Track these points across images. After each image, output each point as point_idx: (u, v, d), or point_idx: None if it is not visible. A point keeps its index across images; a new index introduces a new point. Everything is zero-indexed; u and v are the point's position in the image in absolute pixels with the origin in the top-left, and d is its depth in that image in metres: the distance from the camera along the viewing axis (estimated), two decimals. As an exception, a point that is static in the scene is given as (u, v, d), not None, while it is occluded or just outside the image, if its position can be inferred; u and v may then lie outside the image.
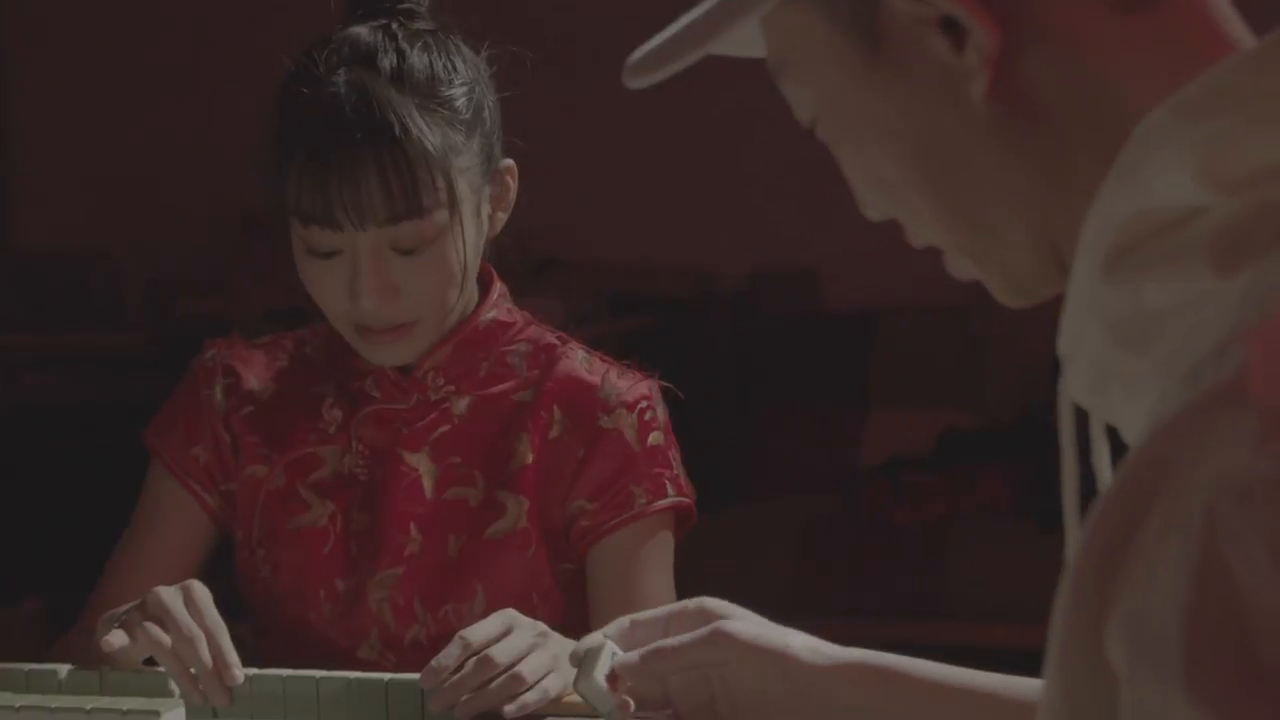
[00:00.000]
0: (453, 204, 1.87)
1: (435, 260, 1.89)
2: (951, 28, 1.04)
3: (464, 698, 1.68)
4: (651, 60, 1.13)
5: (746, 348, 5.54)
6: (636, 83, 1.14)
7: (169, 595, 1.75)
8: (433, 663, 1.68)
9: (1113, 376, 1.00)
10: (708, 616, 1.55)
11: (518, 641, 1.70)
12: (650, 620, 1.58)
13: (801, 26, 1.09)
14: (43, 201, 5.99)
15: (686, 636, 1.53)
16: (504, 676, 1.68)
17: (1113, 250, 0.98)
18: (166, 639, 1.71)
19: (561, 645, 1.72)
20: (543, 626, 1.74)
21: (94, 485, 3.80)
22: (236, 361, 2.04)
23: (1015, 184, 1.06)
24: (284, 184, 1.86)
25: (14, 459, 5.09)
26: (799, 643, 1.53)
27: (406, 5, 1.92)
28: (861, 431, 5.29)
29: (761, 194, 5.54)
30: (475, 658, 1.69)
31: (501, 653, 1.69)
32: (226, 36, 5.60)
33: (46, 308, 5.77)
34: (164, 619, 1.73)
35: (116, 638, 1.74)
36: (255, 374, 2.04)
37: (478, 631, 1.71)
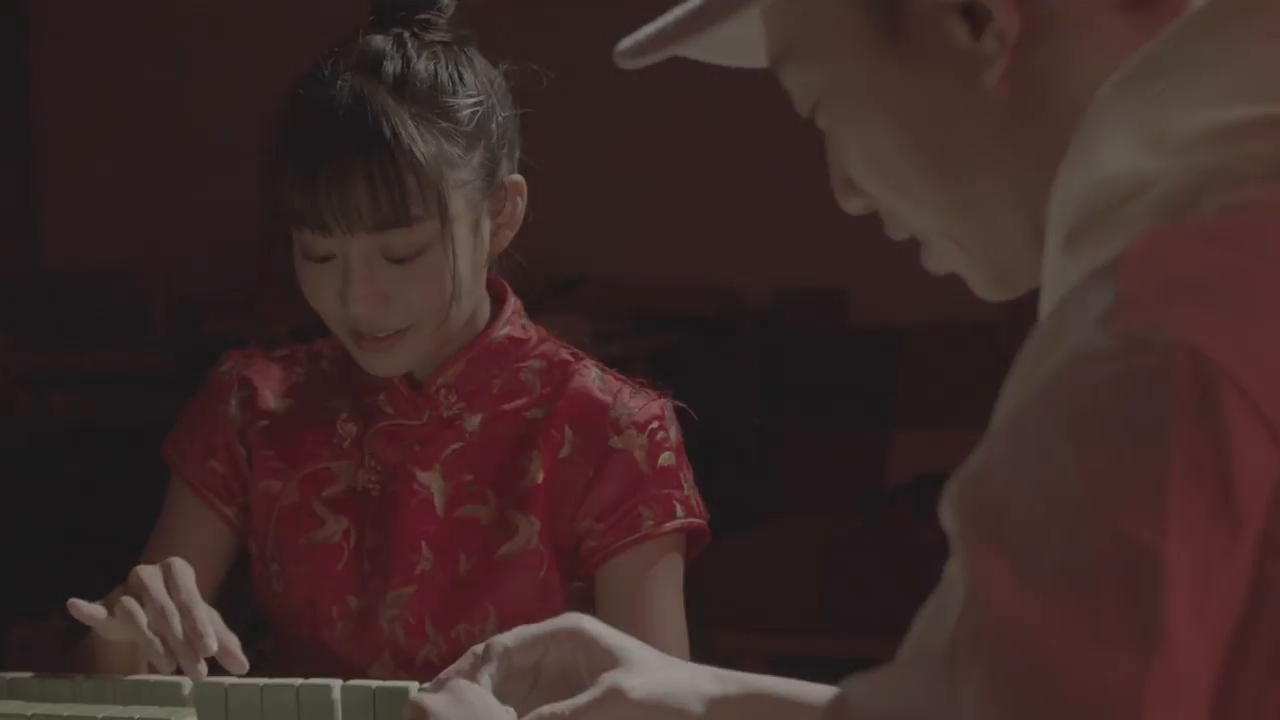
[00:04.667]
0: (443, 215, 1.87)
1: (426, 271, 1.88)
2: (970, 13, 1.07)
3: None
4: (651, 41, 1.17)
5: (772, 366, 5.54)
6: (631, 62, 1.18)
7: (148, 573, 1.77)
8: (444, 673, 1.69)
9: None
10: (585, 641, 1.51)
11: None
12: (530, 641, 1.53)
13: (813, 9, 1.12)
14: (70, 220, 6.01)
15: (581, 699, 1.47)
16: None
17: (1073, 226, 1.03)
18: (141, 612, 1.74)
19: None
20: None
21: (120, 502, 3.80)
22: (254, 374, 2.04)
23: (1012, 169, 1.09)
24: (279, 186, 1.87)
25: (41, 476, 5.10)
26: (690, 691, 1.48)
27: (424, 16, 1.92)
28: (887, 450, 5.28)
29: (787, 212, 5.53)
30: None
31: None
32: (257, 55, 5.61)
33: (74, 326, 5.79)
34: (142, 595, 1.75)
35: (96, 610, 1.77)
36: (271, 387, 2.04)
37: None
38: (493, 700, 1.36)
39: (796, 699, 1.49)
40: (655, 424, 1.97)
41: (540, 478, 1.96)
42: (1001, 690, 0.88)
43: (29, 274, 5.92)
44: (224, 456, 2.02)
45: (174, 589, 1.76)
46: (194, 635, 1.73)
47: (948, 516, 0.95)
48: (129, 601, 1.75)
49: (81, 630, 1.85)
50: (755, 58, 1.20)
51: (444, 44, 1.92)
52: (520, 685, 1.52)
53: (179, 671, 1.75)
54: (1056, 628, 0.87)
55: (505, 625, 1.84)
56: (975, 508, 0.93)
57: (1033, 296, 1.11)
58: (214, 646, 1.73)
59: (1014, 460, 0.92)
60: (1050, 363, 0.94)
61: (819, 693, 1.49)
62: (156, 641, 1.73)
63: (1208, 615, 0.88)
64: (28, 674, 1.81)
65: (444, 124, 1.88)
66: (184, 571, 1.78)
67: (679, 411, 2.00)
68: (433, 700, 1.37)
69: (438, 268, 1.89)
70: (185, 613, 1.74)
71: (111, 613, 1.76)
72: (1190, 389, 0.88)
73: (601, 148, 5.46)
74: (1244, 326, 0.90)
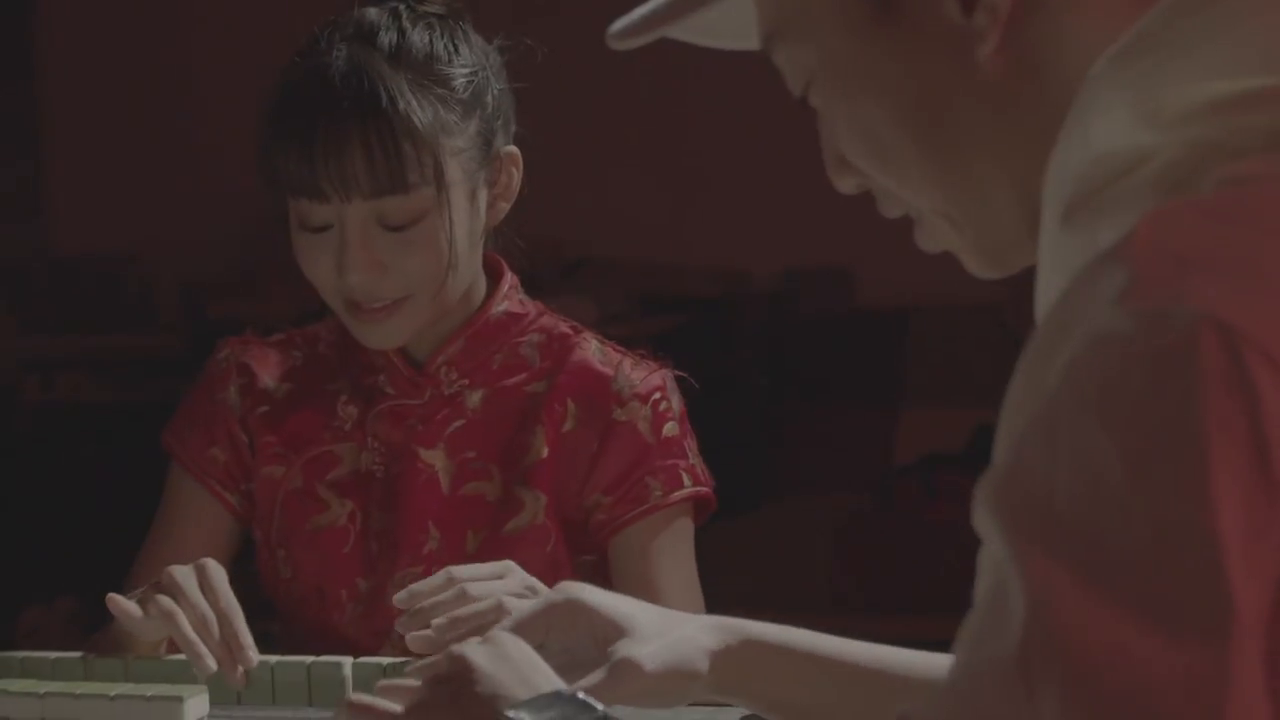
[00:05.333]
0: (440, 182, 1.87)
1: (423, 239, 1.89)
2: None
3: (435, 621, 1.68)
4: (643, 22, 1.17)
5: (779, 347, 5.54)
6: (623, 43, 1.17)
7: (182, 574, 1.76)
8: (414, 585, 1.70)
9: None
10: (586, 612, 1.48)
11: (503, 585, 1.71)
12: (530, 620, 1.48)
13: None
14: (76, 204, 6.01)
15: (595, 678, 1.43)
16: (482, 607, 1.68)
17: (1070, 201, 1.02)
18: (179, 612, 1.72)
19: None
20: (534, 581, 1.74)
21: (127, 486, 3.81)
22: (252, 360, 2.04)
23: (1006, 146, 1.08)
24: (275, 155, 1.87)
25: (48, 460, 5.11)
26: (695, 649, 1.46)
27: None
28: (895, 430, 5.28)
29: (793, 192, 5.52)
30: (455, 588, 1.70)
31: (481, 589, 1.70)
32: (261, 38, 5.61)
33: (80, 310, 5.78)
34: (177, 597, 1.74)
35: (132, 608, 1.75)
36: (270, 372, 2.03)
37: (466, 570, 1.72)
38: (534, 654, 1.34)
39: (789, 645, 1.48)
40: (658, 394, 1.97)
41: (545, 452, 1.96)
42: (1081, 693, 0.87)
43: (36, 258, 5.92)
44: (225, 444, 2.02)
45: (210, 592, 1.75)
46: (235, 645, 1.73)
47: (984, 520, 0.93)
48: (166, 601, 1.74)
49: (86, 615, 1.84)
50: (747, 40, 1.19)
51: (439, 16, 1.93)
52: None
53: None
54: (1125, 624, 0.86)
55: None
56: (1016, 509, 0.91)
57: (1034, 275, 1.10)
58: (255, 660, 1.73)
59: (1048, 455, 0.91)
60: (1065, 351, 0.93)
61: (811, 639, 1.49)
62: (200, 645, 1.72)
63: (1255, 589, 0.87)
64: (39, 653, 1.82)
65: (440, 91, 1.88)
66: (218, 574, 1.77)
67: (680, 381, 2.00)
68: (475, 654, 1.33)
69: (434, 236, 1.89)
70: (225, 621, 1.74)
71: (146, 611, 1.75)
72: (1218, 358, 0.87)
73: (606, 130, 5.45)
74: (1258, 296, 0.89)
